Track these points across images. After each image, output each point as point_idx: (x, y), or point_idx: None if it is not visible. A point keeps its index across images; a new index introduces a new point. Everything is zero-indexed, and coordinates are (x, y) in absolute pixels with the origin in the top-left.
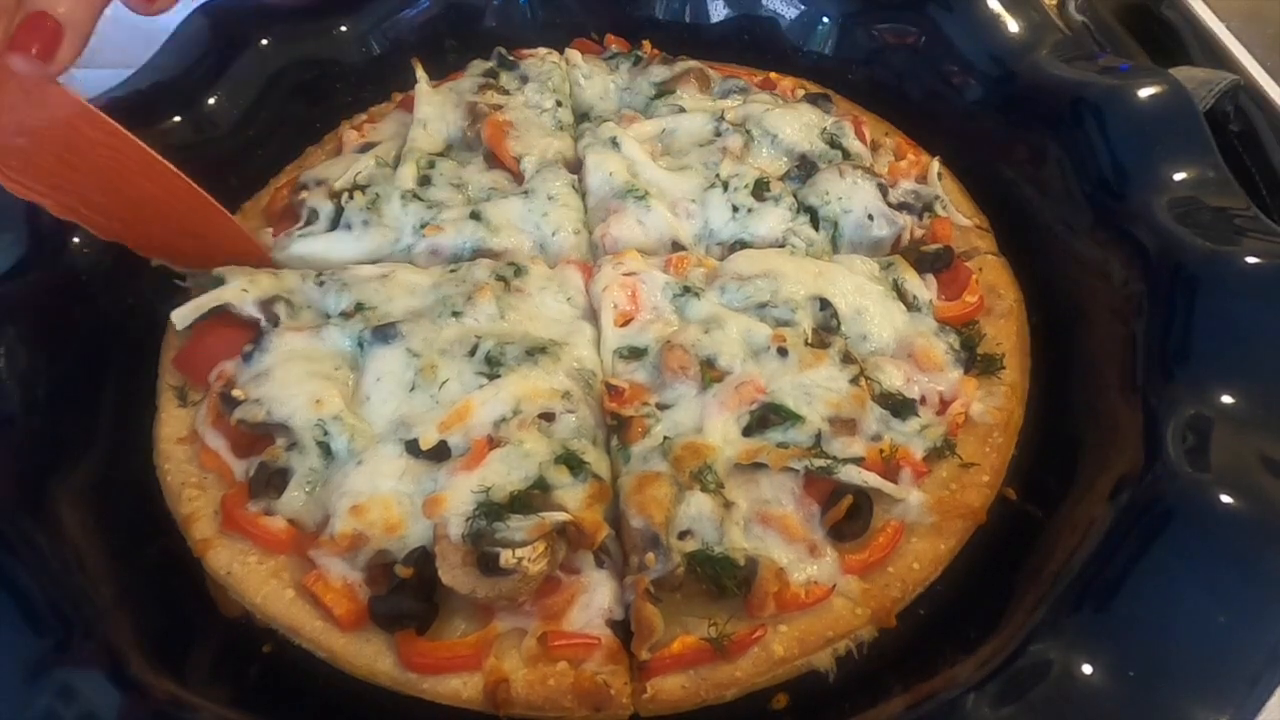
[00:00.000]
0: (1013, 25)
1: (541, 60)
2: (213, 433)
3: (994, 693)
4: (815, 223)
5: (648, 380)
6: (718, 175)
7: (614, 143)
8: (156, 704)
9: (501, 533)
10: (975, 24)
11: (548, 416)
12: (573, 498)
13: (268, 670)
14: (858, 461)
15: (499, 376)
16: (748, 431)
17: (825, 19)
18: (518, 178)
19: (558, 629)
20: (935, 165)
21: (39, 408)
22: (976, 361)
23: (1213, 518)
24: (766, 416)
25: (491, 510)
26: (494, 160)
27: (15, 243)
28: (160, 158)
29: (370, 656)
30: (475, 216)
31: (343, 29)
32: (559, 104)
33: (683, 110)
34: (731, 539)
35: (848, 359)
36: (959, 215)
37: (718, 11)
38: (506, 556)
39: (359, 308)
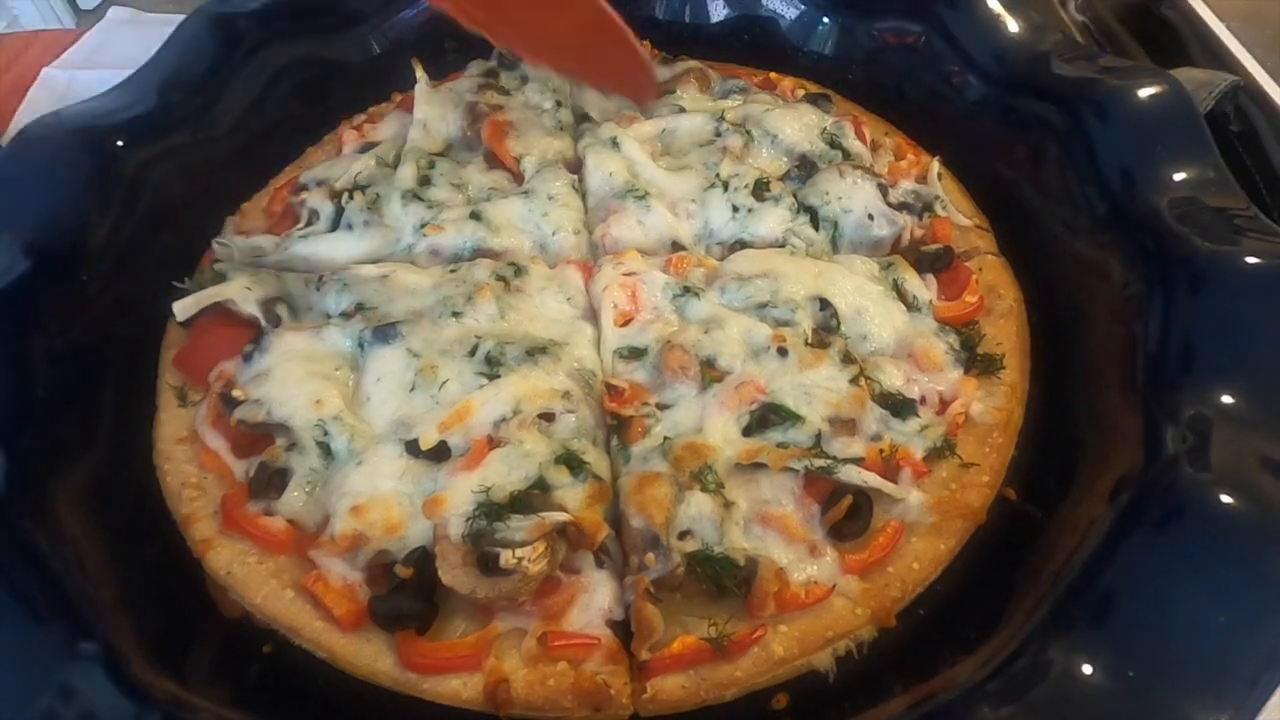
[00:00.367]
0: (1013, 25)
1: None
2: (213, 433)
3: (994, 693)
4: (815, 223)
5: (647, 380)
6: (718, 175)
7: (614, 143)
8: (157, 704)
9: (501, 533)
10: (976, 24)
11: (548, 417)
12: (573, 498)
13: (268, 670)
14: (857, 462)
15: (499, 377)
16: (748, 431)
17: (825, 19)
18: (518, 178)
19: (558, 629)
20: (935, 165)
21: (39, 408)
22: (976, 362)
23: (1213, 518)
24: (766, 416)
25: (491, 510)
26: (494, 160)
27: (15, 242)
28: None
29: (370, 657)
30: (475, 216)
31: (343, 29)
32: (559, 104)
33: (683, 110)
34: (731, 539)
35: (848, 359)
36: (959, 215)
37: (718, 11)
38: (506, 557)
39: (359, 308)
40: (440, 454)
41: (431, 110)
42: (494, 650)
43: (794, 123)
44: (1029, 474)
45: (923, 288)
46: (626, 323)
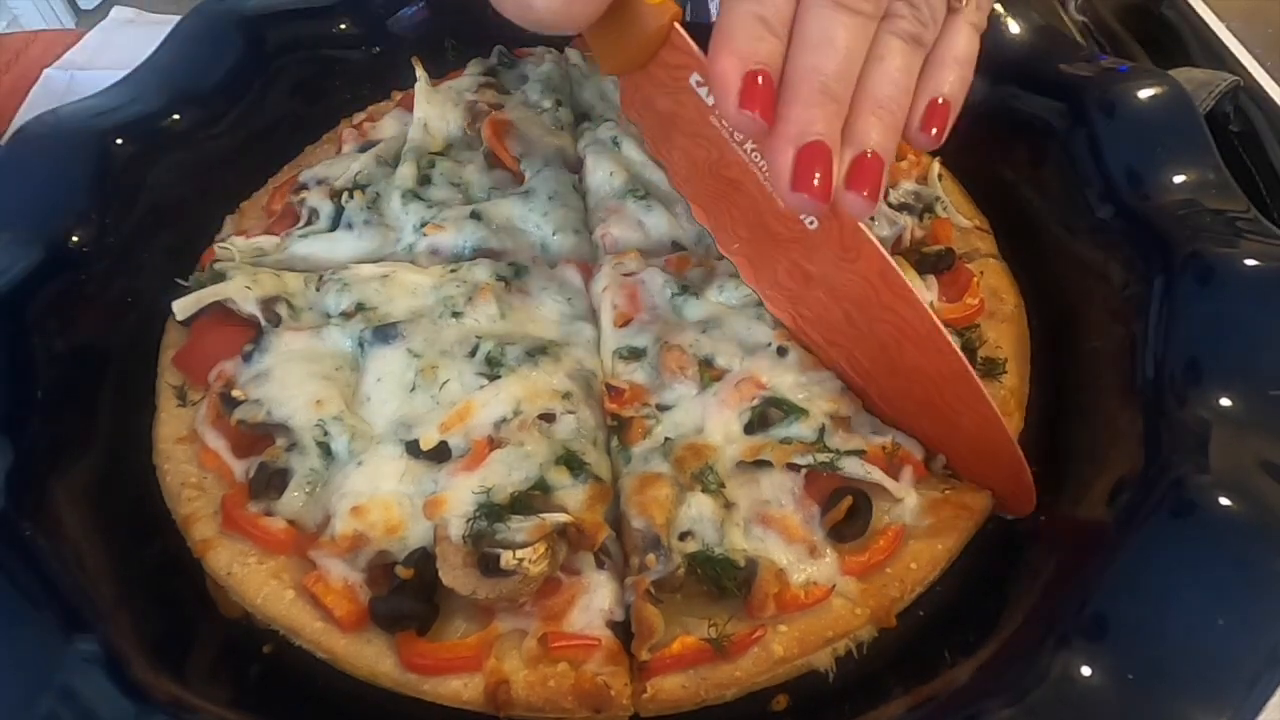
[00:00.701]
0: (1013, 25)
1: (541, 60)
2: (213, 433)
3: (994, 694)
4: None
5: (647, 381)
6: None
7: (614, 143)
8: (157, 704)
9: (502, 534)
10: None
11: (548, 417)
12: (573, 499)
13: (268, 671)
14: (860, 454)
15: (499, 377)
16: (749, 429)
17: None
18: (518, 178)
19: (558, 630)
20: (935, 166)
21: (39, 408)
22: (978, 365)
23: (1212, 520)
24: (767, 414)
25: (492, 511)
26: (494, 160)
27: (15, 242)
28: (949, 341)
29: (371, 658)
30: (475, 216)
31: (343, 28)
32: (559, 104)
33: None
34: (732, 540)
35: None
36: (959, 217)
37: (718, 11)
38: (507, 558)
39: (359, 308)
40: (440, 454)
41: (431, 109)
42: (494, 651)
43: None
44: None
45: (924, 290)
46: (626, 323)
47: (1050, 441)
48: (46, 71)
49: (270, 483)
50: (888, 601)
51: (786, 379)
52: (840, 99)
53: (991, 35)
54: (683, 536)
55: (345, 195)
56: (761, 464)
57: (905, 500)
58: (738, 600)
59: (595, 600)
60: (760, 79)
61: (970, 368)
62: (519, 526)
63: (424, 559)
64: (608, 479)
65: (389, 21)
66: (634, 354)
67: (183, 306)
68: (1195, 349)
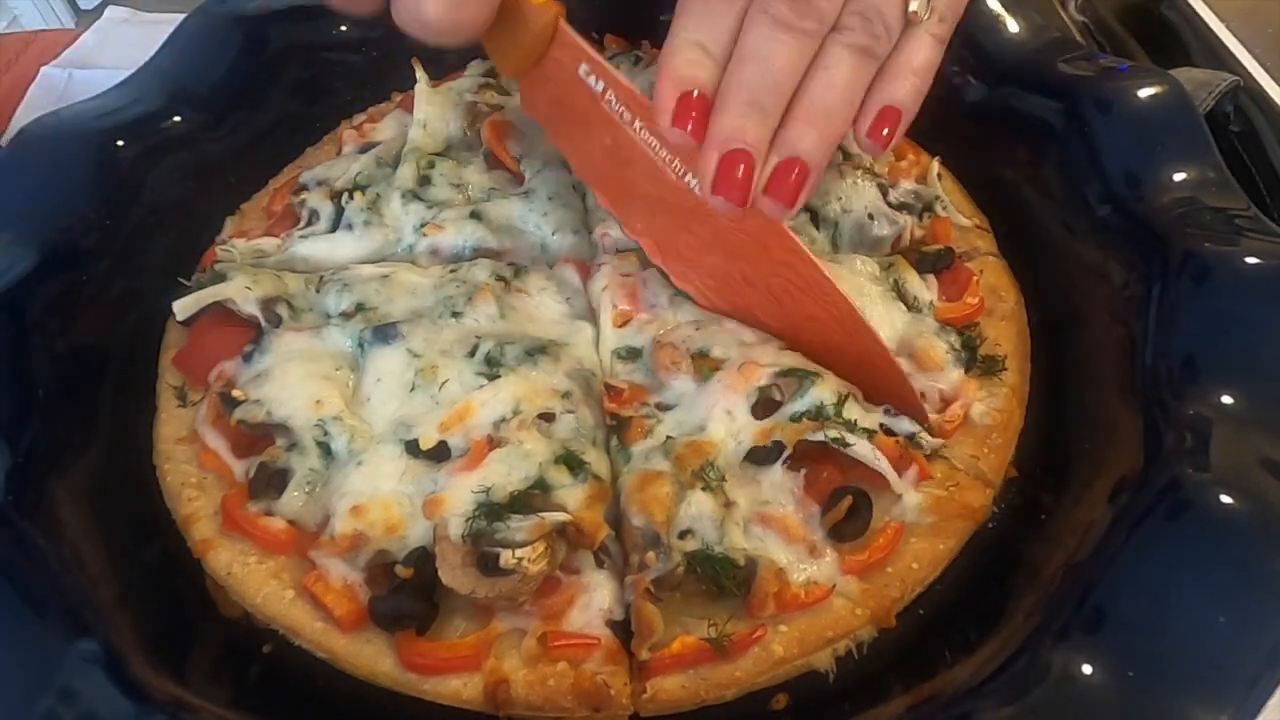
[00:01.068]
0: (1013, 25)
1: None
2: (213, 433)
3: (994, 693)
4: (816, 223)
5: (646, 380)
6: None
7: None
8: (157, 704)
9: (501, 533)
10: (976, 24)
11: (547, 417)
12: (573, 498)
13: (268, 670)
14: (870, 436)
15: (499, 377)
16: (757, 412)
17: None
18: (518, 178)
19: (557, 629)
20: (935, 165)
21: (39, 407)
22: (978, 363)
23: (1212, 519)
24: (771, 397)
25: (491, 510)
26: (494, 160)
27: (15, 242)
28: (837, 288)
29: (371, 657)
30: (475, 216)
31: (343, 28)
32: None
33: None
34: (731, 539)
35: None
36: (959, 216)
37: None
38: (506, 557)
39: (359, 308)
40: (440, 454)
41: (431, 110)
42: (494, 650)
43: None
44: (1028, 474)
45: (923, 288)
46: (625, 323)
47: (1050, 440)
48: (44, 70)
49: (270, 483)
50: (888, 601)
51: (785, 361)
52: (769, 110)
53: (991, 35)
54: (682, 535)
55: (345, 196)
56: (764, 460)
57: (906, 498)
58: (737, 600)
59: (595, 599)
60: (693, 100)
61: (855, 306)
62: (518, 526)
63: (423, 558)
64: (607, 478)
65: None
66: (632, 354)
67: (183, 307)
68: (1195, 347)
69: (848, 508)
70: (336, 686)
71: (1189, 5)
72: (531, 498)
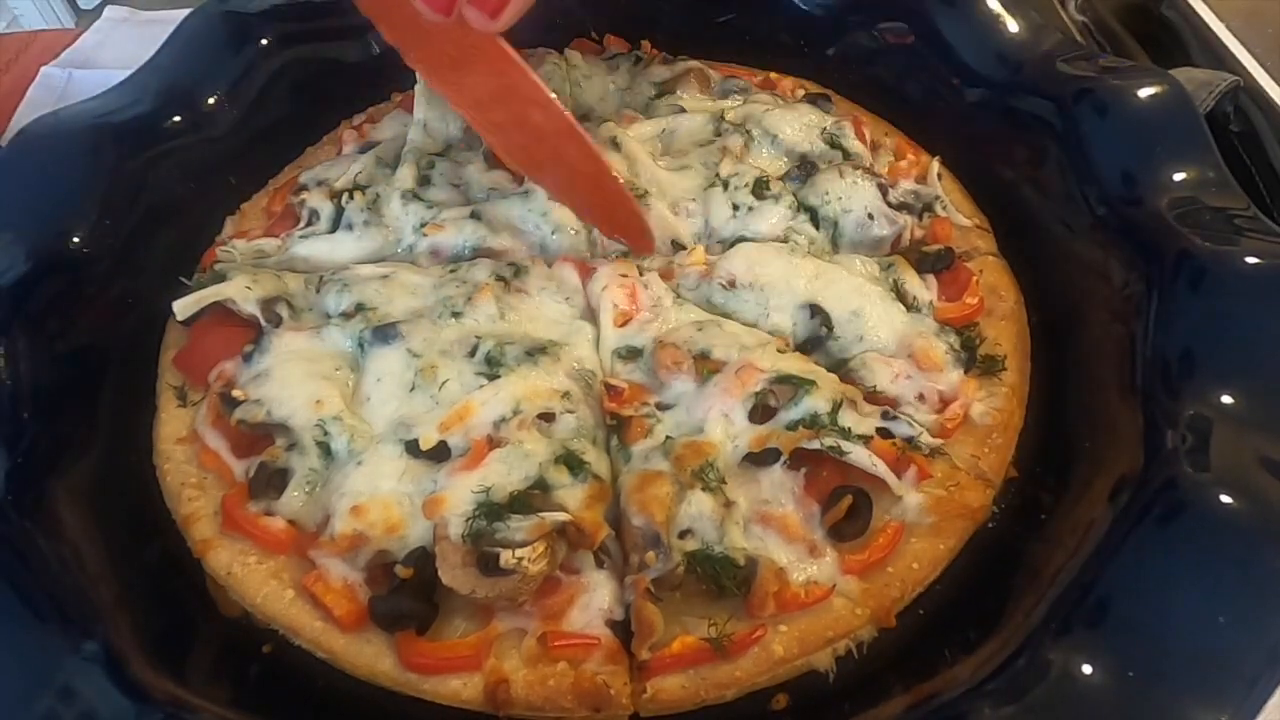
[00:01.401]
0: (1013, 25)
1: (541, 60)
2: (213, 433)
3: (994, 693)
4: (816, 222)
5: (646, 380)
6: (718, 175)
7: (614, 142)
8: (157, 704)
9: (501, 533)
10: (975, 24)
11: (547, 417)
12: (573, 498)
13: (268, 670)
14: (867, 441)
15: (499, 377)
16: (754, 417)
17: (826, 19)
18: (518, 178)
19: (558, 629)
20: (935, 165)
21: (39, 407)
22: (977, 363)
23: (1212, 518)
24: (772, 398)
25: (491, 510)
26: (494, 160)
27: (15, 242)
28: (553, 99)
29: (370, 657)
30: (475, 216)
31: (343, 30)
32: None
33: (683, 110)
34: (731, 539)
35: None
36: (959, 215)
37: (718, 11)
38: (506, 557)
39: (359, 308)
40: (440, 454)
41: (431, 110)
42: (494, 650)
43: (794, 123)
44: (1028, 474)
45: (923, 288)
46: (625, 322)
47: (1050, 440)
48: (44, 69)
49: (270, 483)
50: (888, 601)
51: (784, 364)
52: None
53: (991, 35)
54: (682, 534)
55: (345, 196)
56: (762, 462)
57: (906, 499)
58: (737, 599)
59: (595, 599)
60: None
61: (586, 134)
62: (518, 525)
63: (423, 558)
64: (607, 478)
65: None
66: (632, 353)
67: (183, 307)
68: (1195, 346)
69: (848, 507)
70: (336, 686)
71: (1189, 5)
72: (531, 498)
